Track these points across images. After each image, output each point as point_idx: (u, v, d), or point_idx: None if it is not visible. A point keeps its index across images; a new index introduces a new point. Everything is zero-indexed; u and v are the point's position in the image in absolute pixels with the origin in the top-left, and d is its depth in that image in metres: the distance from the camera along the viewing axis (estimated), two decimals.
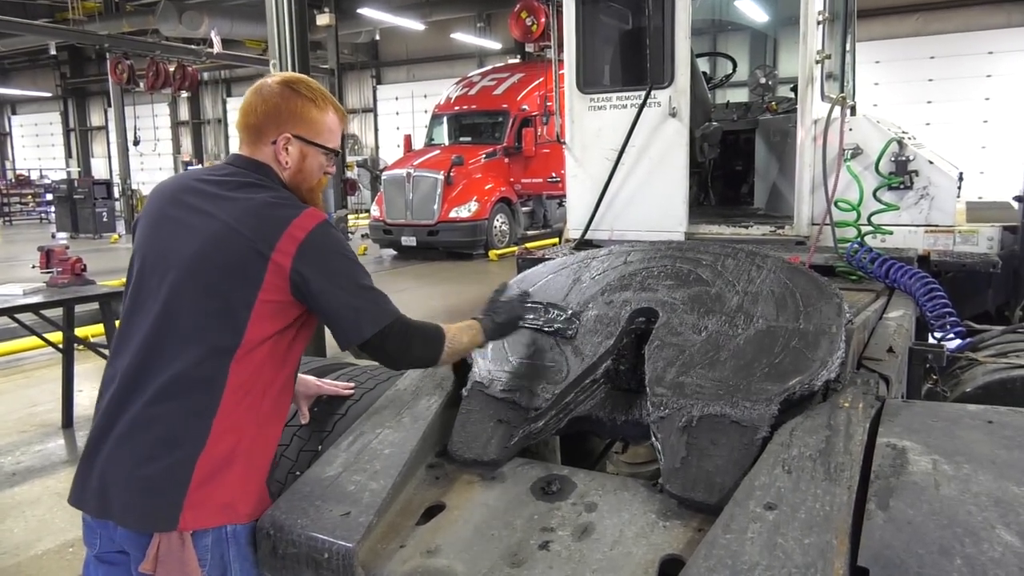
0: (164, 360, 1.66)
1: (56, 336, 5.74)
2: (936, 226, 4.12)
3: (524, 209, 15.76)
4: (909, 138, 4.18)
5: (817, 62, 4.22)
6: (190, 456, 1.63)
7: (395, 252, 15.55)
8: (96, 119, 33.21)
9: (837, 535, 1.44)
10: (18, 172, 31.75)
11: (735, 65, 6.84)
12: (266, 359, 1.71)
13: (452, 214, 14.27)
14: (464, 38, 22.90)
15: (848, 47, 5.06)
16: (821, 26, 4.20)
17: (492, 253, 14.41)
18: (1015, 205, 4.82)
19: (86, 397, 5.78)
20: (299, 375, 2.16)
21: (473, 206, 14.33)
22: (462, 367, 2.35)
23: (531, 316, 2.24)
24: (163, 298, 1.69)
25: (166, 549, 1.62)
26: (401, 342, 1.80)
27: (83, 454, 1.75)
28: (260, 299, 1.66)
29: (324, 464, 1.95)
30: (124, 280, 1.91)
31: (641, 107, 4.51)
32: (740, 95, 6.98)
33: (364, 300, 1.75)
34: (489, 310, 2.12)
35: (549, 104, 13.20)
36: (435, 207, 14.29)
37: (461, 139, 15.90)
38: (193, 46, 19.53)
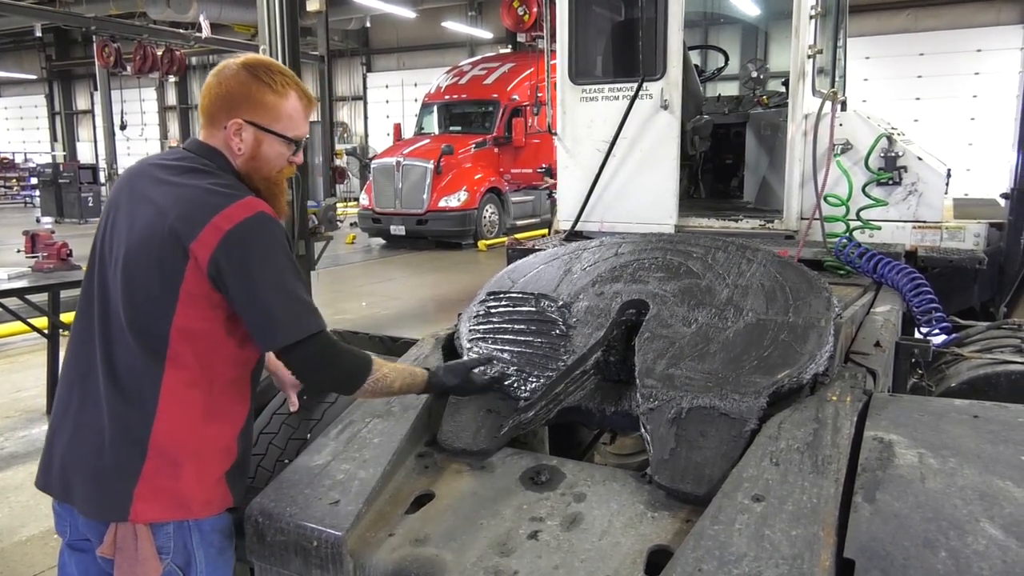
0: (110, 348, 1.65)
1: (41, 321, 5.69)
2: (924, 222, 4.14)
3: (515, 198, 15.72)
4: (898, 134, 4.20)
5: (809, 57, 4.22)
6: (138, 448, 1.61)
7: (384, 241, 15.52)
8: (82, 103, 32.83)
9: (824, 527, 1.46)
10: (2, 155, 31.33)
11: (727, 58, 6.84)
12: (206, 354, 1.65)
13: (441, 203, 14.24)
14: (455, 27, 22.78)
15: (839, 42, 5.07)
16: (813, 21, 4.21)
17: (481, 243, 14.40)
18: (1001, 202, 4.86)
19: None
20: None
21: (463, 196, 14.30)
22: (452, 356, 2.35)
23: (483, 389, 2.07)
24: (108, 286, 1.68)
25: (123, 538, 1.62)
26: (317, 361, 1.68)
27: (46, 437, 1.75)
28: (184, 290, 1.59)
29: (313, 452, 1.95)
30: None
31: (633, 99, 4.50)
32: (731, 88, 6.99)
33: (282, 306, 1.62)
34: (448, 371, 2.01)
35: (540, 95, 13.20)
36: (424, 196, 14.26)
37: (451, 128, 15.86)
38: (181, 30, 19.30)
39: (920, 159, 4.10)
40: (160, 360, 1.62)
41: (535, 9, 11.22)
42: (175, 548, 1.66)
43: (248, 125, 1.71)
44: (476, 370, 2.07)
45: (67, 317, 6.10)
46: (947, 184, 4.21)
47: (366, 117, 27.12)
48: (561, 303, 2.41)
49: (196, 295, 1.60)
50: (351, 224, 17.31)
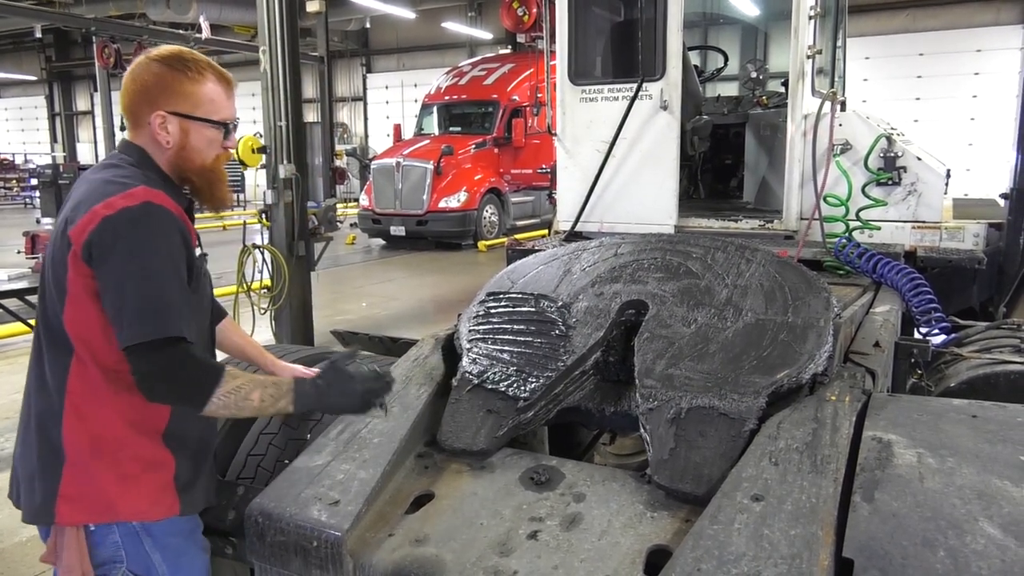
0: (40, 351, 1.67)
1: None
2: (923, 222, 4.15)
3: (515, 199, 15.72)
4: (898, 134, 4.21)
5: (808, 57, 4.23)
6: (56, 450, 1.62)
7: (384, 242, 15.52)
8: (82, 103, 32.83)
9: (823, 526, 1.46)
10: (2, 156, 31.33)
11: (726, 59, 6.85)
12: (102, 351, 1.59)
13: (441, 204, 14.24)
14: (455, 27, 22.79)
15: (839, 42, 5.07)
16: (812, 21, 4.21)
17: (481, 244, 14.40)
18: (1001, 202, 4.86)
19: None
20: (287, 364, 2.16)
21: (462, 196, 14.31)
22: (452, 356, 2.35)
23: (375, 396, 1.77)
24: (39, 290, 1.69)
25: (61, 543, 1.63)
26: (158, 371, 1.53)
27: None
28: (69, 281, 1.57)
29: (313, 453, 1.95)
30: None
31: (632, 99, 4.51)
32: (731, 89, 7.00)
33: (136, 304, 1.51)
34: (323, 376, 1.76)
35: (540, 95, 13.19)
36: (424, 197, 14.26)
37: (451, 129, 15.86)
38: (181, 31, 19.31)
39: (919, 159, 4.11)
40: (66, 358, 1.61)
41: (535, 10, 11.23)
42: (129, 555, 1.65)
43: (171, 116, 1.69)
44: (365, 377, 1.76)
45: None
46: (946, 184, 4.22)
47: (366, 118, 27.12)
48: (560, 303, 2.42)
49: (79, 286, 1.57)
50: (351, 225, 17.32)
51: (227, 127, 1.77)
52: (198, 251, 1.74)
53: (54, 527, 1.64)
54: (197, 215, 1.94)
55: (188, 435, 1.74)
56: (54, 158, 30.00)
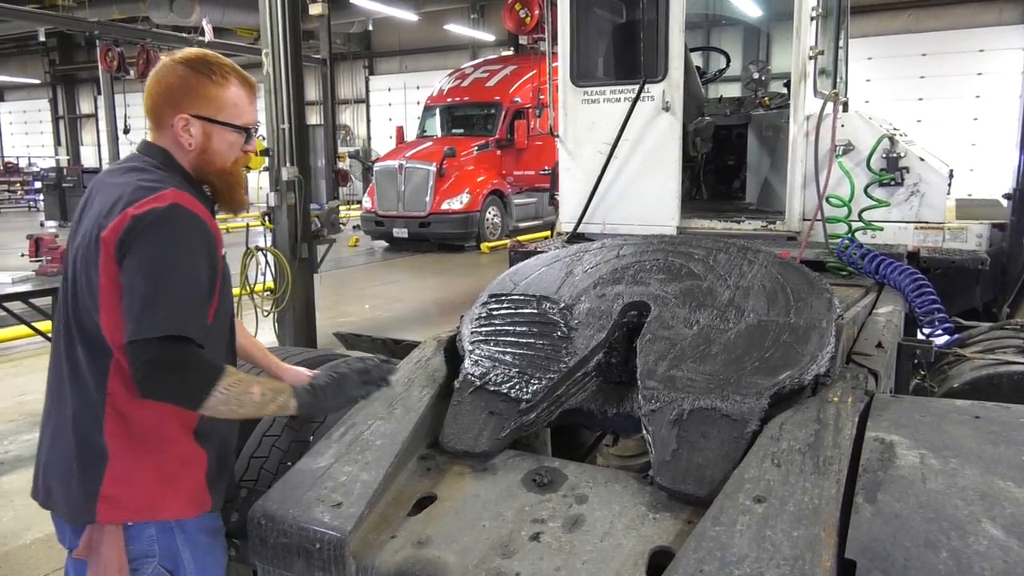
0: (73, 353, 1.67)
1: (45, 325, 5.71)
2: (926, 223, 4.14)
3: (517, 200, 15.72)
4: (901, 135, 4.20)
5: (810, 58, 4.23)
6: (97, 451, 1.62)
7: (386, 244, 15.54)
8: (86, 107, 32.90)
9: (825, 528, 1.46)
10: (6, 160, 31.41)
11: (728, 60, 6.84)
12: None
13: (444, 206, 14.25)
14: (457, 29, 22.81)
15: (841, 43, 5.07)
16: (814, 22, 4.21)
17: (484, 246, 14.40)
18: (1004, 203, 4.86)
19: None
20: (291, 367, 2.16)
21: (465, 198, 14.32)
22: (454, 358, 2.35)
23: (362, 393, 1.85)
24: (69, 291, 1.69)
25: (96, 541, 1.64)
26: (154, 367, 1.51)
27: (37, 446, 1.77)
28: (102, 282, 1.58)
29: (316, 455, 1.95)
30: None
31: (635, 101, 4.51)
32: (733, 90, 6.99)
33: (146, 301, 1.51)
34: (321, 379, 1.80)
35: (542, 97, 13.19)
36: (427, 199, 14.27)
37: (453, 131, 15.88)
38: (184, 34, 19.35)
39: (922, 160, 4.10)
40: (105, 361, 1.62)
41: (537, 11, 11.25)
42: (161, 551, 1.67)
43: (194, 119, 1.70)
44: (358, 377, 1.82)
45: None
46: (949, 185, 4.21)
47: (368, 120, 27.15)
48: (563, 305, 2.42)
49: (111, 291, 1.58)
50: (354, 227, 17.36)
51: (248, 131, 1.79)
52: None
53: (90, 525, 1.65)
54: None
55: (216, 430, 1.77)
56: (58, 161, 30.03)
